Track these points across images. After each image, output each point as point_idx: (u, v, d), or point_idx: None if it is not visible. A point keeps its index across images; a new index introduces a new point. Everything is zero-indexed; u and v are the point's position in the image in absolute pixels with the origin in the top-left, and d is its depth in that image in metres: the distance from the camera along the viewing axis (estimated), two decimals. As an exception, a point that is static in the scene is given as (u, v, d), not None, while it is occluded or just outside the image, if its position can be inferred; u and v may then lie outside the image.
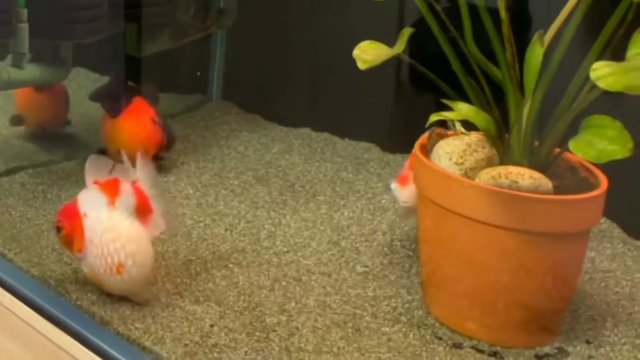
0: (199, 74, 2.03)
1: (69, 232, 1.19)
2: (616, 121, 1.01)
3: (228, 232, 1.41)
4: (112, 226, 1.16)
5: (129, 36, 1.72)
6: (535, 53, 1.08)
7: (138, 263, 1.16)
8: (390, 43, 1.22)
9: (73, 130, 1.87)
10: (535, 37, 1.08)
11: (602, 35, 1.06)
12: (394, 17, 1.79)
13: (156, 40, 1.77)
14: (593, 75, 0.93)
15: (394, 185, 1.35)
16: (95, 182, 1.18)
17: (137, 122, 1.66)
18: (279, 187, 1.59)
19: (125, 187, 1.17)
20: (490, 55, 1.17)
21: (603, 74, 0.93)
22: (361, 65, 1.14)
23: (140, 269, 1.17)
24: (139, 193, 1.17)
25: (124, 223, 1.16)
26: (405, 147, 1.72)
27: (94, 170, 1.19)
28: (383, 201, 1.54)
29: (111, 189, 1.17)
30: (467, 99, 1.16)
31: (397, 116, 1.87)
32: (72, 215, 1.19)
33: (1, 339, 1.28)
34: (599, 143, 1.00)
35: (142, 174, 1.18)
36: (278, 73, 1.99)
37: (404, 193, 1.33)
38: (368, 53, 1.17)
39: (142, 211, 1.17)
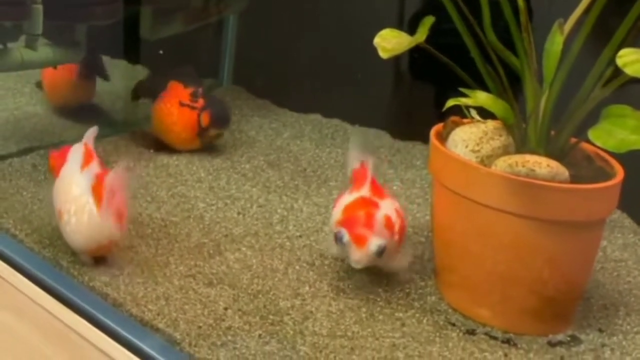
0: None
1: (51, 166, 1.34)
2: (637, 111, 1.01)
3: (240, 215, 1.41)
4: (69, 181, 1.25)
5: (142, 19, 1.72)
6: (555, 42, 1.08)
7: (73, 223, 1.22)
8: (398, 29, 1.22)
9: (85, 112, 1.87)
10: (555, 26, 1.09)
11: (624, 24, 1.06)
12: (398, 4, 1.80)
13: (169, 23, 1.77)
14: (620, 62, 0.93)
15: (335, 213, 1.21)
16: (86, 146, 1.30)
17: (163, 108, 1.68)
18: (291, 172, 1.60)
19: (95, 165, 1.26)
20: (507, 45, 1.17)
21: (630, 60, 0.93)
22: (383, 54, 1.14)
23: (76, 231, 1.22)
24: (100, 177, 1.21)
25: (77, 186, 1.23)
26: (415, 135, 1.73)
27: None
28: (394, 187, 1.54)
29: (89, 158, 1.28)
30: (483, 88, 1.16)
31: (408, 103, 1.87)
32: (61, 155, 1.32)
33: (13, 319, 1.28)
34: (619, 132, 1.00)
35: (115, 170, 1.21)
36: (289, 59, 1.99)
37: (359, 254, 1.14)
38: (389, 41, 1.16)
39: (96, 192, 1.21)
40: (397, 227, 1.15)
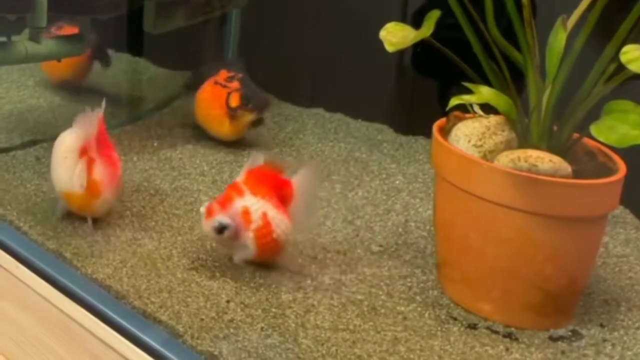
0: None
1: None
2: (639, 106, 1.01)
3: (243, 209, 1.42)
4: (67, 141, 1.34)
5: (145, 12, 1.72)
6: (558, 38, 1.08)
7: (54, 175, 1.33)
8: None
9: (88, 104, 1.87)
10: (559, 22, 1.09)
11: (627, 20, 1.06)
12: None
13: (172, 17, 1.77)
14: (624, 58, 0.94)
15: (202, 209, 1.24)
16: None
17: (201, 87, 1.71)
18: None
19: (93, 140, 1.32)
20: (510, 40, 1.17)
21: (634, 56, 0.94)
22: (389, 48, 1.14)
23: (57, 179, 1.33)
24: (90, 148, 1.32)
25: (71, 145, 1.33)
26: (418, 129, 1.73)
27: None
28: (397, 182, 1.54)
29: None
30: (485, 83, 1.16)
31: (411, 98, 1.87)
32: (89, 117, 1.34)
33: (16, 311, 1.29)
34: (620, 128, 1.00)
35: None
36: (292, 53, 1.99)
37: (204, 224, 1.23)
38: (395, 35, 1.17)
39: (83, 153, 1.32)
40: (255, 225, 1.20)
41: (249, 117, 1.65)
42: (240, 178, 1.24)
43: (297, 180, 1.25)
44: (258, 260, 1.24)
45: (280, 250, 1.23)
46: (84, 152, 1.32)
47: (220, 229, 1.21)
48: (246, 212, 1.21)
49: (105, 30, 1.75)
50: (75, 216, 1.35)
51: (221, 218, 1.21)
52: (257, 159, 1.26)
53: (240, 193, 1.22)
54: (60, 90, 1.96)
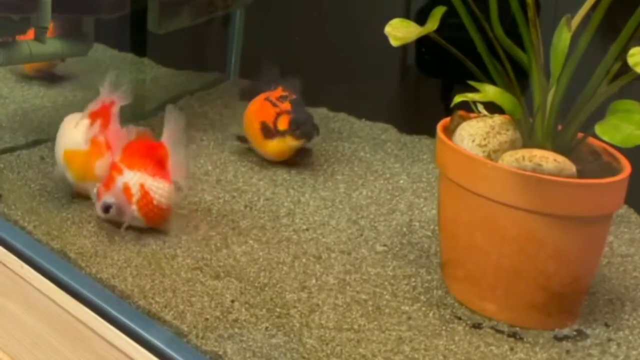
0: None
1: None
2: (644, 106, 1.02)
3: (248, 208, 1.42)
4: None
5: (149, 12, 1.72)
6: (563, 37, 1.08)
7: (60, 137, 1.42)
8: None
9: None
10: (563, 21, 1.09)
11: (632, 20, 1.06)
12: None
13: (176, 17, 1.78)
14: (631, 60, 0.94)
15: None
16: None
17: (252, 100, 1.65)
18: (297, 166, 1.60)
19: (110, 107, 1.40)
20: (514, 40, 1.17)
21: (642, 59, 0.94)
22: (394, 42, 1.14)
23: (61, 140, 1.42)
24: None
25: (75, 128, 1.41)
26: (422, 129, 1.73)
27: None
28: (401, 182, 1.54)
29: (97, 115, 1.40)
30: (489, 83, 1.16)
31: (414, 97, 1.87)
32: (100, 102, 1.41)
33: (21, 312, 1.29)
34: (625, 127, 1.00)
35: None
36: (295, 52, 1.99)
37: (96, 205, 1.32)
38: (399, 30, 1.17)
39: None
40: (136, 198, 1.29)
41: (294, 143, 1.57)
42: (117, 157, 1.33)
43: (166, 138, 1.32)
44: (153, 226, 1.32)
45: (168, 212, 1.32)
46: (95, 115, 1.38)
47: (106, 209, 1.30)
48: (127, 188, 1.30)
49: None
50: (78, 215, 1.36)
51: (106, 198, 1.30)
52: (130, 132, 1.34)
53: (119, 171, 1.31)
54: (36, 79, 2.01)
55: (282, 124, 1.56)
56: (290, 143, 1.56)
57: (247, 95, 1.70)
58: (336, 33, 1.91)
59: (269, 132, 1.57)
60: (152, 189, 1.29)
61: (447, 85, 1.77)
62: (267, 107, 1.59)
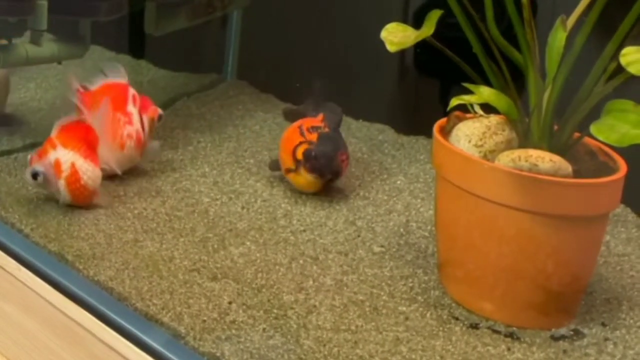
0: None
1: None
2: (638, 106, 1.02)
3: (245, 210, 1.42)
4: None
5: (146, 14, 1.73)
6: (558, 38, 1.08)
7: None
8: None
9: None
10: (558, 21, 1.09)
11: (627, 19, 1.06)
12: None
13: (173, 19, 1.78)
14: (623, 60, 0.94)
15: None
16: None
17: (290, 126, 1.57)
18: (295, 167, 1.60)
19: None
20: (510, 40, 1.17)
21: (634, 59, 0.94)
22: (390, 48, 1.15)
23: None
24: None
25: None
26: (419, 129, 1.73)
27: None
28: (398, 182, 1.54)
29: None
30: (486, 83, 1.16)
31: (412, 98, 1.87)
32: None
33: (18, 314, 1.29)
34: (621, 127, 1.00)
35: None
36: (293, 53, 1.99)
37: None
38: (395, 35, 1.17)
39: None
40: (65, 174, 1.38)
41: (308, 176, 1.46)
42: (54, 133, 1.41)
43: (96, 124, 1.43)
44: (76, 204, 1.40)
45: (92, 194, 1.40)
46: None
47: (34, 175, 1.39)
48: (58, 163, 1.38)
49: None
50: (76, 218, 1.36)
51: (36, 166, 1.39)
52: (70, 118, 1.44)
53: (53, 146, 1.40)
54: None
55: (299, 154, 1.47)
56: (305, 175, 1.47)
57: (290, 117, 1.66)
58: (333, 34, 1.91)
59: (293, 161, 1.48)
60: (81, 169, 1.39)
61: (444, 86, 1.77)
62: (296, 135, 1.50)
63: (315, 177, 1.46)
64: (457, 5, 1.16)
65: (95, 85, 1.53)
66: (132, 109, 1.54)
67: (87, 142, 1.41)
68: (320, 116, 1.54)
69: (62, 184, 1.38)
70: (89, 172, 1.39)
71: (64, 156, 1.39)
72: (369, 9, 1.83)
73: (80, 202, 1.40)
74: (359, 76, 1.86)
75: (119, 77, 1.55)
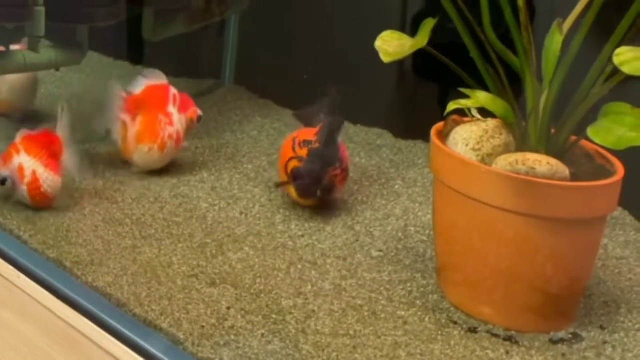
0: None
1: None
2: (635, 108, 1.02)
3: (243, 215, 1.42)
4: None
5: (144, 20, 1.73)
6: (554, 41, 1.08)
7: None
8: (397, 30, 1.22)
9: (86, 114, 1.88)
10: (555, 25, 1.09)
11: (624, 21, 1.06)
12: (400, 3, 1.80)
13: (171, 24, 1.78)
14: (617, 60, 0.94)
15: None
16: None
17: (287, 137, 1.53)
18: (293, 172, 1.60)
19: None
20: (507, 44, 1.17)
21: (627, 58, 0.94)
22: (385, 58, 1.14)
23: None
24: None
25: None
26: (417, 134, 1.73)
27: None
28: (396, 187, 1.54)
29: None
30: (482, 87, 1.16)
31: (410, 102, 1.87)
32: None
33: (17, 321, 1.29)
34: (617, 130, 1.00)
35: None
36: (290, 58, 1.99)
37: None
38: (390, 44, 1.16)
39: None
40: (27, 180, 1.41)
41: (294, 194, 1.43)
42: (18, 139, 1.45)
43: (61, 135, 1.46)
44: (37, 208, 1.43)
45: (52, 199, 1.44)
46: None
47: (3, 181, 1.43)
48: (21, 169, 1.42)
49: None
50: (74, 224, 1.36)
51: (2, 171, 1.43)
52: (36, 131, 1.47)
53: (17, 151, 1.44)
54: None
55: (289, 170, 1.44)
56: (294, 193, 1.43)
57: (303, 119, 1.59)
58: (331, 38, 1.91)
59: (286, 175, 1.45)
60: (42, 177, 1.42)
61: (442, 90, 1.77)
62: (289, 148, 1.46)
63: (300, 196, 1.42)
64: (454, 10, 1.17)
65: (138, 89, 1.57)
66: (172, 109, 1.58)
67: (49, 150, 1.44)
68: (320, 126, 1.48)
69: (24, 189, 1.42)
70: (49, 180, 1.42)
71: (26, 162, 1.42)
72: (367, 13, 1.83)
73: (42, 205, 1.44)
74: (357, 81, 1.86)
75: (159, 78, 1.59)
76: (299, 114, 1.65)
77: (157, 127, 1.56)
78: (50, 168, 1.43)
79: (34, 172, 1.41)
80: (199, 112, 1.62)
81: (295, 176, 1.41)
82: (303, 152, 1.43)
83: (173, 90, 1.60)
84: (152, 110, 1.57)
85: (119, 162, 1.61)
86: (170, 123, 1.57)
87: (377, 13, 1.82)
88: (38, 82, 1.86)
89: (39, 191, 1.42)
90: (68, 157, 1.46)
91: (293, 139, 1.48)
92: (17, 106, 1.77)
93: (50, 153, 1.44)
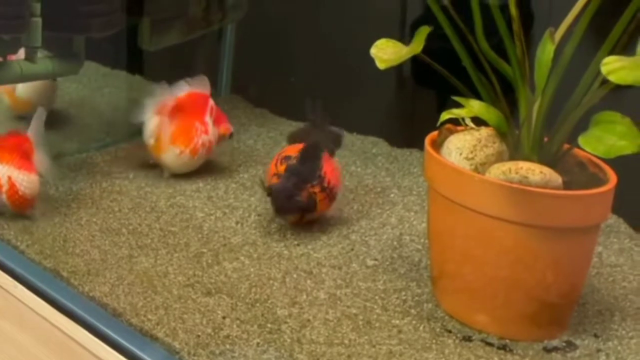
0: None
1: None
2: (625, 117, 1.02)
3: (239, 225, 1.42)
4: None
5: (141, 29, 1.73)
6: (547, 50, 1.09)
7: None
8: (394, 38, 1.23)
9: (85, 123, 1.88)
10: (547, 34, 1.09)
11: (614, 32, 1.07)
12: (397, 11, 1.81)
13: (168, 34, 1.78)
14: (604, 69, 0.94)
15: None
16: None
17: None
18: (289, 181, 1.60)
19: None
20: (499, 52, 1.18)
21: (614, 68, 0.94)
22: (380, 65, 1.15)
23: None
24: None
25: None
26: (412, 142, 1.74)
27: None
28: (392, 195, 1.55)
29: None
30: (475, 95, 1.17)
31: (405, 111, 1.88)
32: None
33: (14, 330, 1.29)
34: (608, 139, 1.01)
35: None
36: (287, 67, 2.00)
37: None
38: (385, 52, 1.17)
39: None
40: (4, 189, 1.42)
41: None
42: None
43: (32, 134, 1.47)
44: (18, 213, 1.44)
45: (32, 201, 1.44)
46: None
47: None
48: None
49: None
50: (71, 234, 1.37)
51: None
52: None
53: None
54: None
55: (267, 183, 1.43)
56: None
57: (297, 140, 1.54)
58: (326, 47, 1.92)
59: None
60: (17, 180, 1.42)
61: (438, 99, 1.77)
62: (273, 164, 1.46)
63: (275, 213, 1.41)
64: (446, 19, 1.17)
65: (179, 93, 1.60)
66: (208, 119, 1.61)
67: (19, 151, 1.45)
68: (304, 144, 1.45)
69: (3, 197, 1.43)
70: (25, 182, 1.43)
71: (0, 171, 1.43)
72: (363, 21, 1.84)
73: (23, 211, 1.44)
74: (352, 89, 1.87)
75: (202, 88, 1.62)
76: (293, 136, 1.61)
77: (193, 132, 1.59)
78: (25, 168, 1.43)
79: (9, 179, 1.42)
80: (232, 129, 1.66)
81: (269, 193, 1.40)
82: (282, 169, 1.42)
83: (211, 102, 1.62)
84: (190, 115, 1.60)
85: (140, 160, 1.67)
86: (206, 132, 1.60)
87: (374, 22, 1.82)
88: (57, 84, 1.88)
89: (18, 195, 1.42)
90: (39, 159, 1.47)
91: (278, 154, 1.48)
92: (38, 107, 1.77)
93: (22, 154, 1.45)
